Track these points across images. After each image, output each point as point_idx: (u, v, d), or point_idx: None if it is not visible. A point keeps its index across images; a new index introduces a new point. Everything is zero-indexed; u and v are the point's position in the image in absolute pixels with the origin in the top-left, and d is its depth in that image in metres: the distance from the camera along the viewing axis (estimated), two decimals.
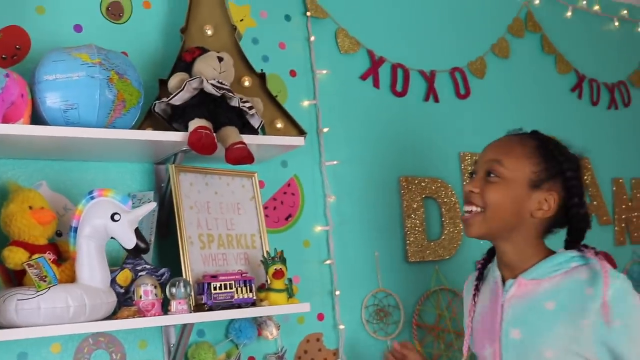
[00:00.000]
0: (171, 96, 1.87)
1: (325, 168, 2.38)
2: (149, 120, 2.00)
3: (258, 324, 2.14)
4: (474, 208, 1.75)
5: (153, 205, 1.80)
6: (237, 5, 2.30)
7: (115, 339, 1.97)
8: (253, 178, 2.17)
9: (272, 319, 2.14)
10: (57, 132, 1.74)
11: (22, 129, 1.71)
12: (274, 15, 2.39)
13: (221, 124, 1.90)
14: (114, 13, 2.10)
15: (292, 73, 2.39)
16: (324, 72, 2.43)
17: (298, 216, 2.33)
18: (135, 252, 1.78)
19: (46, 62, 1.79)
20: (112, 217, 1.75)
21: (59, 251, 1.85)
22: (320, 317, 2.31)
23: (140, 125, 1.97)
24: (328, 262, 2.34)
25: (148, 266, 1.91)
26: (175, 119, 1.93)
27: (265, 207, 2.24)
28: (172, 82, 1.91)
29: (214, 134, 1.87)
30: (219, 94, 1.87)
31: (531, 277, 1.74)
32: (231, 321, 2.12)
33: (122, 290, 1.84)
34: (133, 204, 1.87)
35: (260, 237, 2.12)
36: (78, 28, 2.05)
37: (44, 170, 1.95)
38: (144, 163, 2.08)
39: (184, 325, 1.94)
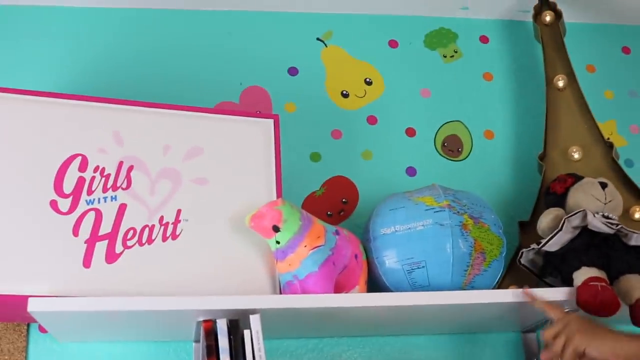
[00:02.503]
0: (545, 241, 1.40)
1: None
2: (509, 275, 1.54)
3: None
4: None
5: None
6: (601, 122, 1.81)
7: None
8: None
9: None
10: (403, 300, 1.34)
11: (359, 299, 1.33)
12: None
13: (618, 272, 1.38)
14: (452, 149, 1.73)
15: None
16: None
17: None
18: None
19: (382, 212, 1.43)
20: None
21: None
22: None
23: (501, 283, 1.51)
24: None
25: None
26: (548, 270, 1.45)
27: None
28: (544, 221, 1.44)
29: (611, 286, 1.34)
30: (612, 231, 1.37)
31: None
32: None
33: None
34: None
35: None
36: (411, 171, 1.69)
37: (384, 350, 1.55)
38: (510, 332, 1.60)
39: None
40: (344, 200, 1.63)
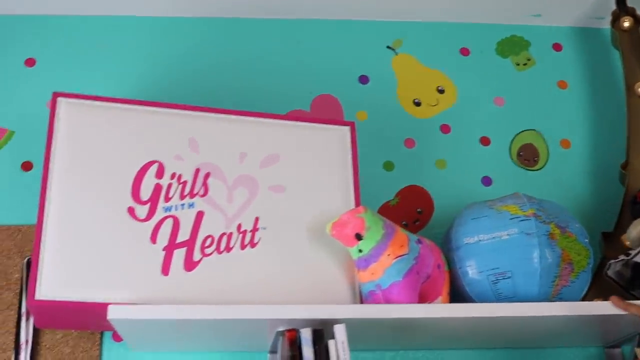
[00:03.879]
0: (636, 252, 1.34)
1: None
2: (593, 288, 1.49)
3: None
4: None
5: None
6: None
7: None
8: None
9: None
10: (489, 311, 1.29)
11: (448, 309, 1.29)
12: None
13: None
14: (527, 158, 1.68)
15: None
16: None
17: None
18: None
19: (464, 221, 1.39)
20: None
21: None
22: None
23: (584, 297, 1.46)
24: None
25: None
26: (637, 283, 1.39)
27: None
28: (634, 232, 1.38)
29: None
30: None
31: None
32: None
33: None
34: None
35: None
36: (486, 180, 1.65)
37: None
38: (592, 347, 1.54)
39: None
40: (418, 210, 1.60)
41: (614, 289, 1.44)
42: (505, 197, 1.40)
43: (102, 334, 1.45)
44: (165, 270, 1.29)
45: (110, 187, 1.32)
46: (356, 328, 1.28)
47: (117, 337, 1.45)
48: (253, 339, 1.38)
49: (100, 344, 1.45)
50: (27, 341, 1.42)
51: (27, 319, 1.44)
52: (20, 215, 1.52)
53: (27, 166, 1.56)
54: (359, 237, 1.28)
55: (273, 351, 1.42)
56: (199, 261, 1.31)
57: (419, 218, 1.59)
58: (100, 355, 1.44)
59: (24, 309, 1.44)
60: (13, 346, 1.41)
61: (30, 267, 1.46)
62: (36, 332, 1.44)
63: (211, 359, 1.45)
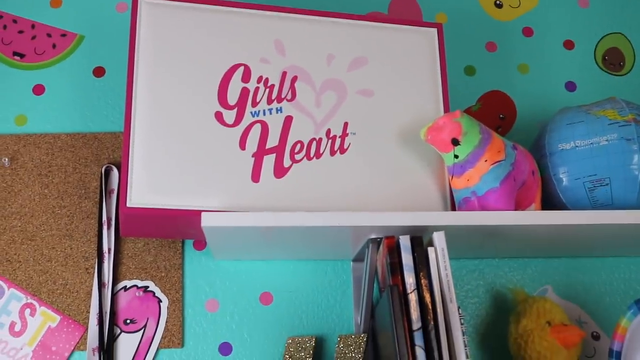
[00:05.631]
0: None
1: None
2: None
3: None
4: None
5: None
6: None
7: None
8: None
9: None
10: (582, 219, 1.25)
11: (537, 216, 1.26)
12: None
13: None
14: (613, 63, 1.62)
15: None
16: None
17: None
18: None
19: (558, 127, 1.34)
20: None
21: None
22: None
23: None
24: None
25: None
26: None
27: None
28: None
29: None
30: None
31: None
32: None
33: None
34: None
35: None
36: (570, 85, 1.59)
37: (545, 272, 1.48)
38: None
39: None
40: (501, 115, 1.55)
41: None
42: (602, 102, 1.35)
43: (183, 242, 1.44)
44: (256, 177, 1.26)
45: (196, 92, 1.28)
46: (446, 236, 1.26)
47: (198, 246, 1.44)
48: (338, 247, 1.36)
49: (183, 253, 1.44)
50: (109, 249, 1.41)
51: (109, 228, 1.43)
52: (95, 122, 1.49)
53: (99, 72, 1.52)
54: (455, 142, 1.24)
55: (358, 259, 1.41)
56: (289, 167, 1.28)
57: (501, 124, 1.54)
58: (182, 263, 1.43)
59: (104, 218, 1.43)
60: (96, 254, 1.41)
61: (108, 176, 1.45)
62: (117, 241, 1.43)
63: (293, 266, 1.44)
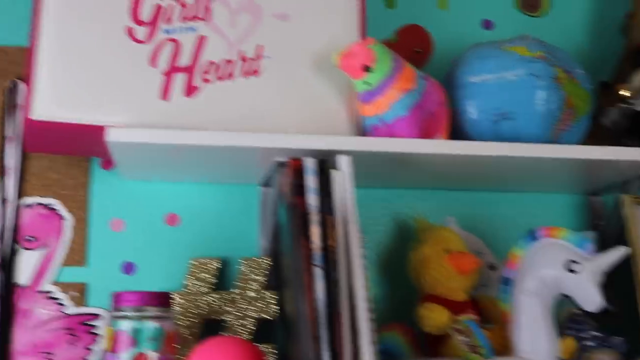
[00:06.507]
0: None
1: None
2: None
3: None
4: None
5: (624, 250, 1.28)
6: None
7: None
8: None
9: None
10: (488, 150, 1.29)
11: (444, 145, 1.29)
12: None
13: None
14: (530, 4, 1.64)
15: None
16: None
17: None
18: (602, 318, 1.27)
19: (469, 60, 1.36)
20: (567, 267, 1.26)
21: (479, 310, 1.40)
22: None
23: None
24: None
25: (596, 333, 1.39)
26: (633, 132, 1.41)
27: None
28: (637, 80, 1.38)
29: None
30: None
31: None
32: None
33: None
34: None
35: None
36: (487, 24, 1.61)
37: (449, 204, 1.52)
38: (572, 194, 1.58)
39: None
40: (417, 50, 1.56)
41: (606, 138, 1.46)
42: (514, 39, 1.37)
43: (90, 161, 1.42)
44: (165, 94, 1.24)
45: (107, 6, 1.24)
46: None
47: (106, 165, 1.42)
48: (246, 170, 1.36)
49: (89, 171, 1.42)
50: (13, 166, 1.38)
51: (14, 144, 1.39)
52: (4, 35, 1.43)
53: None
54: (367, 69, 1.24)
55: (266, 184, 1.41)
56: (200, 87, 1.26)
57: (415, 58, 1.55)
58: (88, 182, 1.41)
59: (9, 133, 1.39)
60: None
61: (15, 91, 1.41)
62: (23, 158, 1.40)
63: (202, 189, 1.44)
